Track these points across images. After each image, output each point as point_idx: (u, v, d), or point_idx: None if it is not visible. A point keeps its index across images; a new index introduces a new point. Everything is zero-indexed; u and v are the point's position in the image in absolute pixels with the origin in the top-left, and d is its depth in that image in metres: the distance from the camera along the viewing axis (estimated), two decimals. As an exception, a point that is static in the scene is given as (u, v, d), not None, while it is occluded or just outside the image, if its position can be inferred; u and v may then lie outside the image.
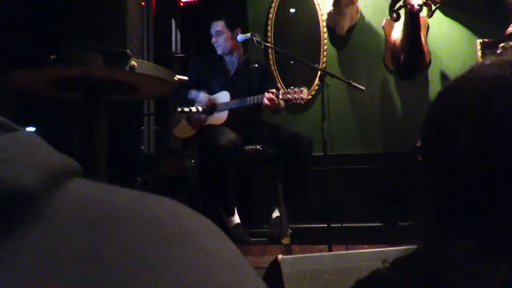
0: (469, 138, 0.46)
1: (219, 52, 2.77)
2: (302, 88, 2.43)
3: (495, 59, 0.49)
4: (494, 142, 0.44)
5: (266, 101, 2.43)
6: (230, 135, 2.43)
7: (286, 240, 2.41)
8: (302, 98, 2.43)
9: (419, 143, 0.56)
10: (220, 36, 2.70)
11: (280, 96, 2.44)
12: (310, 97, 3.39)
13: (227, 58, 2.80)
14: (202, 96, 2.71)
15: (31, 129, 3.75)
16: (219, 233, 0.25)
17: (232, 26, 2.75)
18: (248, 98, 2.54)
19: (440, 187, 0.51)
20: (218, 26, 2.73)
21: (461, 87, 0.50)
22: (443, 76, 3.33)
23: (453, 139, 0.48)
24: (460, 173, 0.47)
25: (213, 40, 2.75)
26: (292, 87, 2.47)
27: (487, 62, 0.49)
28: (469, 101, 0.47)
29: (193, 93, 2.77)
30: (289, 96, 2.43)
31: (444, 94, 0.53)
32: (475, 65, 0.50)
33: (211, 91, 2.75)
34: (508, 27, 2.87)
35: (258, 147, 2.61)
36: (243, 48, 2.90)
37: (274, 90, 2.48)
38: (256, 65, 2.82)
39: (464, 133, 0.46)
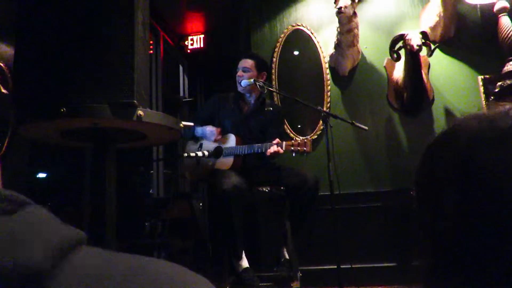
0: (454, 194, 0.46)
1: (239, 88, 2.82)
2: (305, 140, 2.47)
3: (476, 113, 0.51)
4: (478, 197, 0.45)
5: (268, 153, 2.48)
6: (234, 180, 2.45)
7: (296, 284, 2.36)
8: (305, 151, 2.47)
9: (414, 193, 0.57)
10: (246, 73, 2.78)
11: (284, 148, 2.48)
12: (315, 137, 3.43)
13: (246, 95, 2.86)
14: (209, 131, 2.75)
15: (43, 175, 3.81)
16: None
17: (260, 69, 2.83)
18: (254, 146, 2.58)
19: (434, 238, 0.52)
20: (247, 63, 2.82)
21: (444, 142, 0.51)
22: (447, 112, 3.36)
23: (440, 195, 0.49)
24: (449, 227, 0.48)
25: (239, 74, 2.80)
26: (295, 134, 2.52)
27: (469, 116, 0.51)
28: (452, 157, 0.48)
29: (198, 131, 2.82)
30: (293, 149, 2.48)
31: (431, 149, 0.54)
32: (459, 120, 0.52)
33: (224, 128, 2.79)
34: (504, 66, 2.92)
35: (265, 189, 2.62)
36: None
37: (278, 141, 2.51)
38: (271, 108, 2.88)
39: (449, 189, 0.47)
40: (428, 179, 0.52)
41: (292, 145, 2.47)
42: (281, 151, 2.47)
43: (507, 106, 0.51)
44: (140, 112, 1.34)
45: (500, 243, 0.43)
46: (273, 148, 2.46)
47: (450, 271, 0.48)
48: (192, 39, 4.80)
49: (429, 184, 0.52)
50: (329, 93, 3.55)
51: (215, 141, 2.76)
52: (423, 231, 0.53)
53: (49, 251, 0.23)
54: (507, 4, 2.95)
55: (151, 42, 4.33)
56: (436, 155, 0.52)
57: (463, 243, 0.46)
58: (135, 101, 1.32)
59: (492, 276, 0.44)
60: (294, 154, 2.50)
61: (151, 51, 4.38)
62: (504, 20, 2.93)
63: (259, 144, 2.56)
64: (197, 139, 2.87)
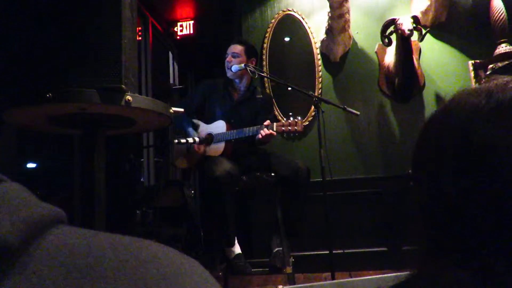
0: (453, 170, 0.45)
1: (229, 74, 2.79)
2: (296, 120, 2.45)
3: (474, 87, 0.49)
4: (476, 172, 0.44)
5: (260, 136, 2.46)
6: (226, 166, 2.43)
7: (288, 270, 2.37)
8: (296, 130, 2.44)
9: (411, 172, 0.56)
10: (236, 58, 2.74)
11: (275, 129, 2.46)
12: (306, 123, 3.42)
13: (236, 81, 2.82)
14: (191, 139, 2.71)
15: (32, 164, 3.77)
16: (204, 276, 0.25)
17: (249, 54, 2.80)
18: (245, 129, 2.56)
19: (430, 217, 0.51)
20: (237, 49, 2.78)
21: (442, 118, 0.50)
22: (438, 97, 3.37)
23: (438, 171, 0.48)
24: (447, 204, 0.47)
25: (228, 59, 2.77)
26: (286, 119, 2.49)
27: (467, 91, 0.50)
28: (449, 133, 0.47)
29: (185, 126, 2.78)
30: (283, 129, 2.45)
31: (428, 126, 0.53)
32: (456, 94, 0.50)
33: (214, 116, 2.77)
34: (496, 49, 2.92)
35: (257, 174, 2.61)
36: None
37: (268, 122, 2.49)
38: (261, 96, 2.85)
39: (448, 164, 0.46)
40: (426, 156, 0.51)
41: (283, 125, 2.46)
42: (274, 133, 2.46)
43: (505, 79, 0.49)
44: (128, 97, 1.31)
45: (500, 220, 0.43)
46: (265, 131, 2.44)
47: (446, 251, 0.47)
48: (181, 25, 4.73)
49: (427, 161, 0.51)
50: (320, 79, 3.54)
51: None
52: (419, 211, 0.53)
53: (19, 225, 0.21)
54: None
55: (139, 28, 4.26)
56: (434, 131, 0.51)
57: (460, 221, 0.45)
58: (123, 85, 1.29)
59: (491, 254, 0.43)
60: (285, 135, 2.49)
61: (140, 38, 4.31)
62: (496, 2, 2.92)
63: (249, 128, 2.54)
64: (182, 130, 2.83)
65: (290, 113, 3.56)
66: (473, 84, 3.21)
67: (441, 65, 3.40)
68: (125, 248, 0.23)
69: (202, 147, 2.69)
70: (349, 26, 3.39)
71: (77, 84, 1.25)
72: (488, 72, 2.92)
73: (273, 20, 3.67)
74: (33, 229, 0.22)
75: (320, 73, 3.55)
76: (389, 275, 1.08)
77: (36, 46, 1.28)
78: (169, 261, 0.24)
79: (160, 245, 0.25)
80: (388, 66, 3.38)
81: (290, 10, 3.66)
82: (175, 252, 0.25)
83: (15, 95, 1.32)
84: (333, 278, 2.25)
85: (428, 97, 3.39)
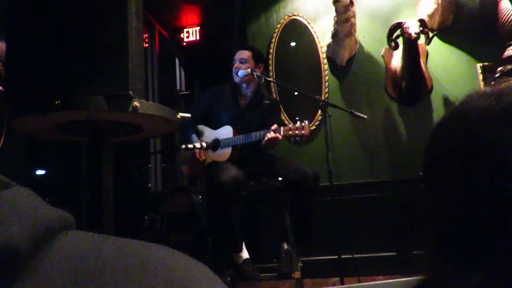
0: (462, 171, 0.45)
1: (236, 79, 2.79)
2: (303, 124, 2.42)
3: (483, 89, 0.49)
4: (486, 173, 0.43)
5: (266, 138, 2.44)
6: (232, 172, 2.42)
7: (297, 275, 2.36)
8: (303, 135, 2.41)
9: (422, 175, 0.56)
10: (244, 64, 2.74)
11: (282, 133, 2.44)
12: (313, 127, 3.42)
13: (243, 87, 2.81)
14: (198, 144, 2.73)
15: (40, 172, 3.80)
16: (213, 279, 0.25)
17: (257, 60, 2.80)
18: (252, 134, 2.54)
19: (441, 219, 0.51)
20: (244, 54, 2.78)
21: (453, 120, 0.50)
22: (446, 100, 3.34)
23: (448, 172, 0.47)
24: (457, 206, 0.46)
25: (236, 65, 2.76)
26: (293, 123, 2.47)
27: (477, 93, 0.49)
28: (460, 134, 0.47)
29: (194, 138, 2.78)
30: (290, 133, 2.43)
31: (439, 127, 0.53)
32: (466, 96, 0.50)
33: (221, 122, 2.77)
34: (504, 51, 2.90)
35: (263, 179, 2.60)
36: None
37: (275, 126, 2.46)
38: (268, 102, 2.84)
39: (456, 167, 0.46)
40: (437, 157, 0.51)
41: (290, 129, 2.43)
42: (280, 137, 2.44)
43: None
44: (135, 103, 1.31)
45: (507, 223, 0.42)
46: (271, 134, 2.43)
47: (457, 254, 0.47)
48: (187, 32, 4.76)
49: (437, 163, 0.51)
50: (327, 84, 3.53)
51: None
52: (430, 213, 0.52)
53: (29, 230, 0.21)
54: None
55: (146, 35, 4.29)
56: (443, 134, 0.51)
57: (471, 222, 0.45)
58: (130, 92, 1.30)
59: (499, 259, 0.42)
60: (292, 140, 2.46)
61: (147, 45, 4.34)
62: (504, 4, 2.90)
63: (257, 132, 2.53)
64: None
65: (297, 118, 3.56)
66: (482, 87, 3.19)
67: (449, 68, 3.38)
68: (133, 252, 0.23)
69: (204, 154, 2.69)
70: (355, 30, 3.39)
71: (85, 91, 1.26)
72: (496, 75, 2.89)
73: (278, 25, 3.68)
74: (42, 234, 0.22)
75: (327, 78, 3.54)
76: (398, 280, 1.07)
77: (43, 55, 1.29)
78: (177, 265, 0.24)
79: (169, 249, 0.25)
80: (395, 69, 3.37)
81: (295, 15, 3.67)
82: (183, 256, 0.25)
83: (23, 104, 1.33)
84: (342, 283, 2.24)
85: (435, 100, 3.36)
